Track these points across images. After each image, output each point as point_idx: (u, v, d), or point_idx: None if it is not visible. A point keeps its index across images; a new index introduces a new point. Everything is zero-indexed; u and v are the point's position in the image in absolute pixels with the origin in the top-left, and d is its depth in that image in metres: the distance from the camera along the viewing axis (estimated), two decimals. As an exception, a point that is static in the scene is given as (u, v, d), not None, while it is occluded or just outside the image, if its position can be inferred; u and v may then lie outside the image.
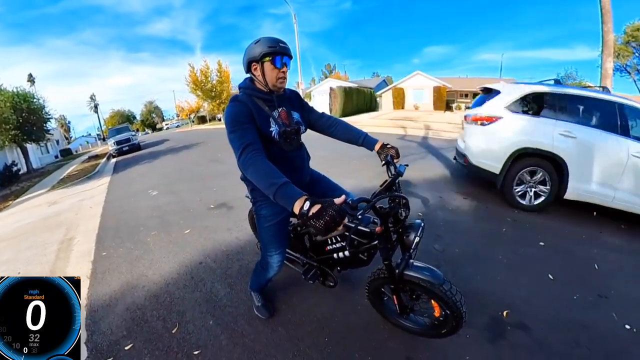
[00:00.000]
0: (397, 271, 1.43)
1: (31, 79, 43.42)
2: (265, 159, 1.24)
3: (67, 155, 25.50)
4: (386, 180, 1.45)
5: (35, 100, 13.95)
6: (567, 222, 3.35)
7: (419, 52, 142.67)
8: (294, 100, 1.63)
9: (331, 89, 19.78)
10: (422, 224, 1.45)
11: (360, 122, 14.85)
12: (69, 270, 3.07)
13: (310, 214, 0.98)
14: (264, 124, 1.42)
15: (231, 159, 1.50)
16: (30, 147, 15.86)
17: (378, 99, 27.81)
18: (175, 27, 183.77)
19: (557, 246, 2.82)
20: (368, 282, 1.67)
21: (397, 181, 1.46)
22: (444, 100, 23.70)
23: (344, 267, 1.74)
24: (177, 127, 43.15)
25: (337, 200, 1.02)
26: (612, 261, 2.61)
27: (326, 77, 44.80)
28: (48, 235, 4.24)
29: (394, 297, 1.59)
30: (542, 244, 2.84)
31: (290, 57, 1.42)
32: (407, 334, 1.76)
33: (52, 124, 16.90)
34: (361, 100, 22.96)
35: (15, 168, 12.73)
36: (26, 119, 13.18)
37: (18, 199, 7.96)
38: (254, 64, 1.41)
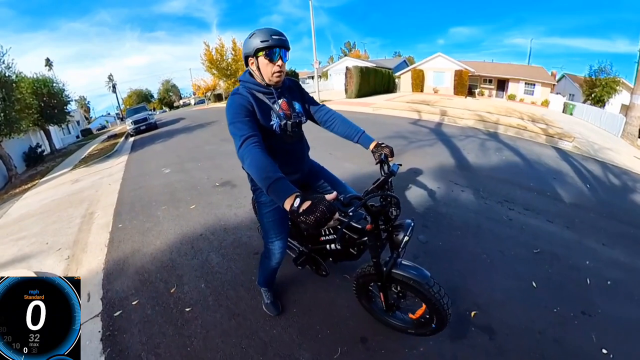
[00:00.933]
0: (384, 269, 1.44)
1: (49, 63, 43.56)
2: (263, 152, 1.22)
3: (87, 134, 26.45)
4: (379, 179, 1.44)
5: (54, 84, 14.39)
6: (570, 229, 3.08)
7: (445, 32, 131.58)
8: (294, 90, 1.61)
9: (347, 68, 19.22)
10: (412, 224, 1.45)
11: (376, 103, 14.55)
12: (91, 240, 3.41)
13: (301, 210, 0.99)
14: (265, 118, 1.41)
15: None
16: (53, 129, 16.59)
17: (397, 80, 26.73)
18: (190, 4, 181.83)
19: (550, 253, 2.60)
20: (355, 277, 1.67)
21: (389, 180, 1.46)
22: (466, 85, 22.26)
23: (336, 258, 1.78)
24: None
25: (328, 197, 1.04)
26: (607, 277, 2.35)
27: (345, 56, 43.32)
28: (72, 210, 4.64)
29: (381, 294, 1.60)
30: (535, 250, 2.62)
31: (287, 49, 1.37)
32: (367, 316, 1.81)
33: (72, 106, 17.40)
34: (379, 80, 22.21)
35: (39, 149, 13.38)
36: (47, 103, 13.70)
37: (44, 178, 8.47)
38: (250, 58, 1.39)
